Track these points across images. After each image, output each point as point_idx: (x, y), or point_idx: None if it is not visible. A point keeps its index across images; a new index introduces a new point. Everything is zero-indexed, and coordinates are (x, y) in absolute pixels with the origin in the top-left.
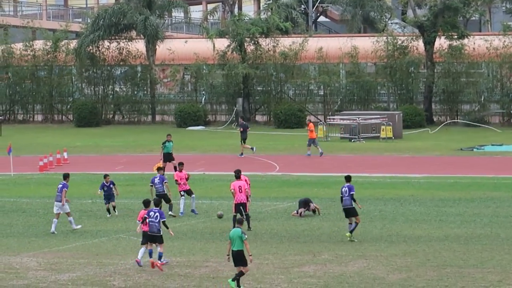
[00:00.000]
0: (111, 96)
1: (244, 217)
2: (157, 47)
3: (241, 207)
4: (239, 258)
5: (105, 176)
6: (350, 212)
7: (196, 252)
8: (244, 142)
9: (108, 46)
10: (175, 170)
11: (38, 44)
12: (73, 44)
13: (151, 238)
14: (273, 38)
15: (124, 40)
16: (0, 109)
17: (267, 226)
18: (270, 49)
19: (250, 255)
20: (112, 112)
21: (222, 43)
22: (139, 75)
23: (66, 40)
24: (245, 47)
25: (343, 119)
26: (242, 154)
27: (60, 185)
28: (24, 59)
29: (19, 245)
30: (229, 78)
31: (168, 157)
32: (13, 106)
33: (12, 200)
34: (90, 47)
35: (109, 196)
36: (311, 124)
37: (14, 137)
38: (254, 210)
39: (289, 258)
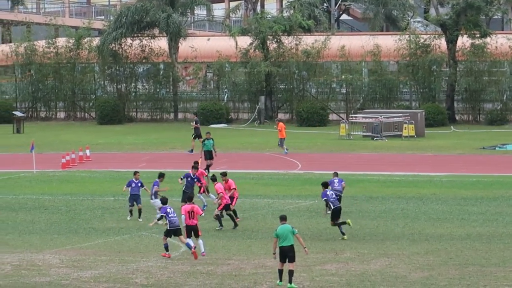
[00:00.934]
0: (133, 94)
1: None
2: (179, 44)
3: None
4: (290, 254)
5: (135, 173)
6: (339, 213)
7: (218, 250)
8: (197, 139)
9: (131, 43)
10: (208, 169)
11: (61, 41)
12: (96, 41)
13: (174, 232)
14: (295, 36)
15: (147, 38)
16: (23, 107)
17: (289, 224)
18: (292, 47)
19: (305, 248)
20: (135, 110)
21: (244, 41)
22: (161, 72)
23: (88, 38)
24: (268, 45)
25: (366, 118)
26: (192, 150)
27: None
28: (47, 56)
29: (41, 242)
30: (252, 76)
31: (209, 155)
32: (35, 103)
33: (35, 197)
34: (113, 45)
35: (135, 197)
36: (280, 124)
37: (37, 134)
38: (277, 208)
39: (311, 256)
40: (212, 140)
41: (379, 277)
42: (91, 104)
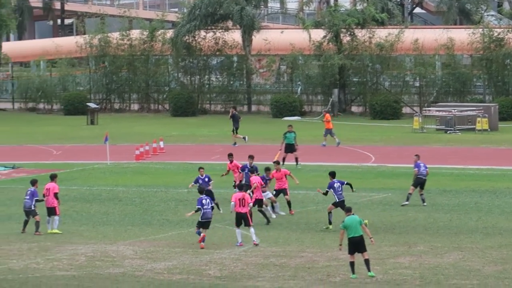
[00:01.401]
0: (207, 86)
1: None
2: (253, 37)
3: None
4: (360, 244)
5: (200, 168)
6: (343, 205)
7: (291, 242)
8: (236, 132)
9: (204, 36)
10: (296, 161)
11: (135, 33)
12: (170, 33)
13: (205, 224)
14: (369, 29)
15: (220, 30)
16: (97, 98)
17: (362, 217)
18: (366, 40)
19: (371, 238)
20: (208, 102)
21: (318, 34)
22: (235, 65)
23: (162, 30)
24: (341, 38)
25: (439, 111)
26: (235, 143)
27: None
28: (121, 48)
29: (115, 234)
30: (325, 69)
31: (290, 148)
32: (109, 95)
33: (109, 188)
34: (187, 37)
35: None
36: (327, 115)
37: (111, 126)
38: (350, 201)
39: (384, 249)
40: (294, 133)
41: (452, 270)
42: (164, 96)
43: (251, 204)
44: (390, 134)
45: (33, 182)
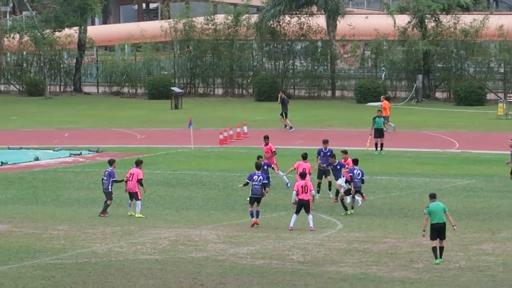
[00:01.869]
0: (291, 71)
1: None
2: (337, 22)
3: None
4: (441, 231)
5: (258, 157)
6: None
7: (374, 227)
8: (286, 116)
9: (289, 21)
10: (381, 147)
11: (219, 18)
12: (254, 18)
13: (254, 200)
14: (453, 15)
15: (305, 15)
16: (181, 82)
17: (446, 203)
18: (450, 26)
19: (454, 226)
20: (292, 87)
21: (402, 19)
22: (319, 50)
23: (247, 15)
24: (426, 23)
25: None
26: (291, 128)
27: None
28: (205, 33)
29: (198, 218)
30: (409, 54)
31: (379, 133)
32: (193, 79)
33: (192, 173)
34: (271, 22)
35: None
36: (385, 101)
37: (195, 110)
38: (433, 187)
39: (467, 236)
40: (383, 118)
41: None
42: (248, 80)
43: (313, 192)
44: (474, 120)
45: (111, 162)
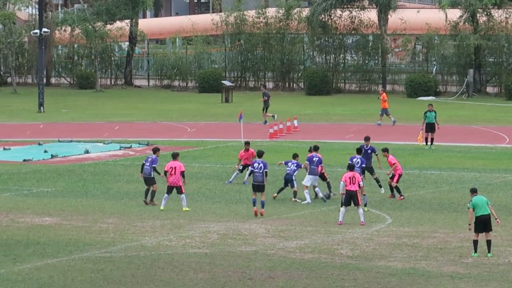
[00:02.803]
0: (342, 65)
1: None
2: (389, 16)
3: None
4: (487, 223)
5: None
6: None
7: (424, 222)
8: (266, 111)
9: (340, 14)
10: (431, 142)
11: (271, 11)
12: (305, 12)
13: (256, 187)
14: (505, 9)
15: (356, 9)
16: (232, 76)
17: (496, 198)
18: (502, 20)
19: (497, 218)
20: (343, 81)
21: (454, 14)
22: (370, 44)
23: (298, 8)
24: (477, 18)
25: None
26: (265, 122)
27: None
28: (257, 26)
29: (247, 212)
30: (461, 49)
31: (430, 127)
32: (244, 73)
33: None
34: (322, 16)
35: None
36: (384, 94)
37: (245, 104)
38: (483, 182)
39: None
40: (435, 112)
41: None
42: (299, 74)
43: (361, 183)
44: None
45: (155, 150)
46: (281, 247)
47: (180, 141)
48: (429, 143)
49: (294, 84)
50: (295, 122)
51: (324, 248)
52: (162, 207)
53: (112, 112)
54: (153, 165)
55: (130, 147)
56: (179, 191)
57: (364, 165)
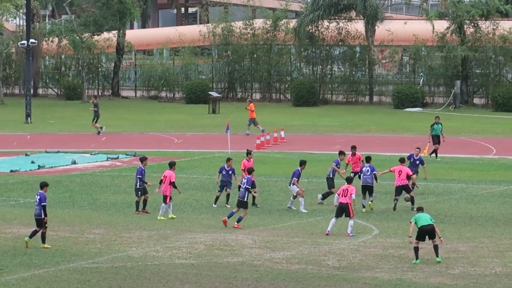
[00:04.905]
0: (329, 76)
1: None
2: (376, 27)
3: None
4: (430, 233)
5: (228, 159)
6: (369, 189)
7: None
8: (96, 122)
9: (327, 26)
10: (436, 154)
11: (258, 23)
12: (293, 23)
13: (239, 203)
14: (492, 21)
15: (344, 20)
16: (219, 87)
17: (483, 209)
18: (489, 31)
19: (441, 237)
20: (330, 92)
21: (441, 25)
22: (357, 55)
23: (285, 19)
24: (465, 29)
25: None
26: (99, 132)
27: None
28: (244, 37)
29: (234, 223)
30: (448, 60)
31: (437, 139)
32: (231, 84)
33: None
34: (310, 27)
35: (226, 183)
36: (251, 105)
37: (232, 115)
38: (470, 193)
39: (504, 242)
40: (441, 124)
41: None
42: (286, 85)
43: (353, 196)
44: None
45: (142, 159)
46: (268, 258)
47: (167, 152)
48: (433, 154)
49: (281, 95)
50: (282, 133)
51: (311, 259)
52: (159, 217)
53: (99, 123)
54: (138, 176)
55: (117, 158)
56: (164, 200)
57: (375, 172)
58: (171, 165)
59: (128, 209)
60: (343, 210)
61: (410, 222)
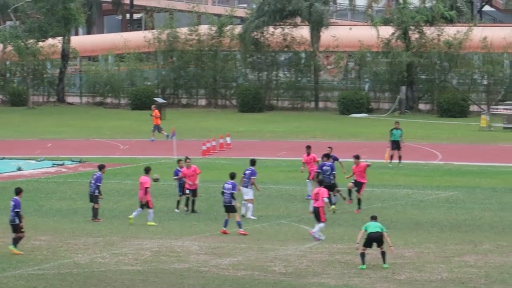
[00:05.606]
0: (274, 82)
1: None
2: (321, 33)
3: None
4: (378, 240)
5: (179, 161)
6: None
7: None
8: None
9: (273, 32)
10: (399, 159)
11: (203, 29)
12: (238, 29)
13: (226, 208)
14: (437, 27)
15: (289, 26)
16: (165, 93)
17: (429, 215)
18: (434, 37)
19: (391, 246)
20: (276, 98)
21: (386, 31)
22: (303, 61)
23: (231, 25)
24: (410, 35)
25: (507, 109)
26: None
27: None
28: (189, 43)
29: (181, 229)
30: (393, 66)
31: (396, 145)
32: (177, 90)
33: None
34: (255, 33)
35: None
36: (156, 111)
37: (178, 121)
38: (416, 198)
39: (450, 247)
40: (401, 130)
41: None
42: (232, 91)
43: (325, 199)
44: (457, 132)
45: (101, 167)
46: (214, 264)
47: (112, 158)
48: (396, 160)
49: (227, 101)
50: (228, 139)
51: (257, 265)
52: (130, 217)
53: (44, 129)
54: (98, 183)
55: (63, 164)
56: (147, 205)
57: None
58: (147, 170)
59: (74, 216)
60: (315, 213)
61: (360, 230)
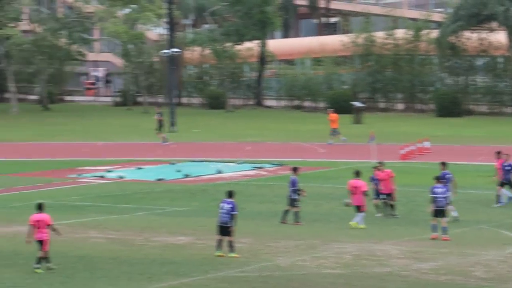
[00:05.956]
0: (472, 87)
1: None
2: None
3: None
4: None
5: (375, 167)
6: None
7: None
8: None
9: (469, 36)
10: None
11: (399, 33)
12: (434, 33)
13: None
14: None
15: (485, 31)
16: (362, 97)
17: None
18: None
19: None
20: (473, 103)
21: None
22: (500, 66)
23: (427, 30)
24: None
25: None
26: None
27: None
28: (385, 47)
29: (381, 233)
30: None
31: None
32: (374, 94)
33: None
34: (451, 37)
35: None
36: (332, 115)
37: (376, 125)
38: None
39: None
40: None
41: None
42: (429, 96)
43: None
44: None
45: (295, 169)
46: (415, 268)
47: (311, 161)
48: None
49: (424, 106)
50: (427, 143)
51: (458, 270)
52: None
53: (243, 132)
54: (293, 187)
55: (262, 167)
56: (358, 209)
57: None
58: (358, 173)
59: (274, 219)
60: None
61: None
